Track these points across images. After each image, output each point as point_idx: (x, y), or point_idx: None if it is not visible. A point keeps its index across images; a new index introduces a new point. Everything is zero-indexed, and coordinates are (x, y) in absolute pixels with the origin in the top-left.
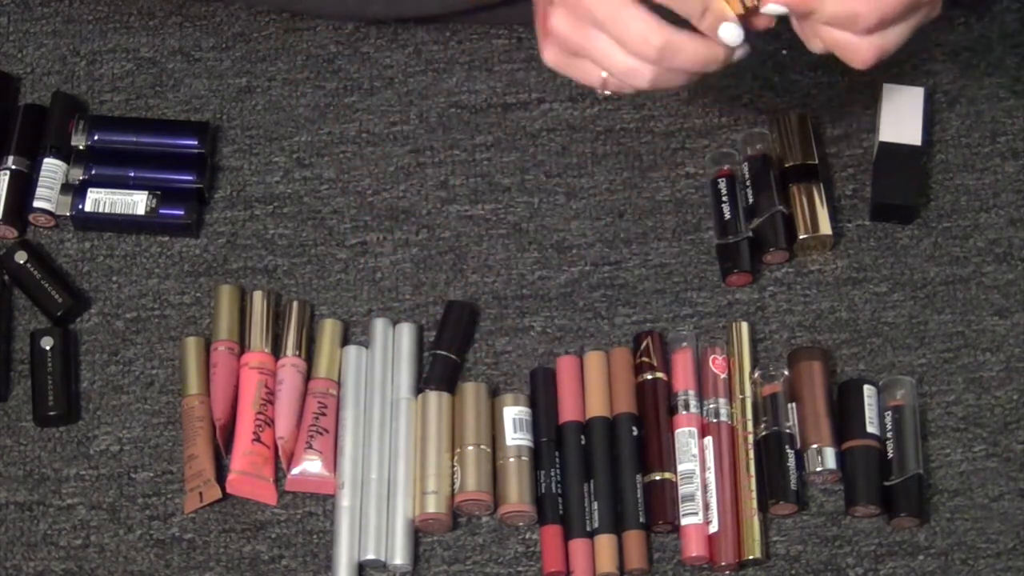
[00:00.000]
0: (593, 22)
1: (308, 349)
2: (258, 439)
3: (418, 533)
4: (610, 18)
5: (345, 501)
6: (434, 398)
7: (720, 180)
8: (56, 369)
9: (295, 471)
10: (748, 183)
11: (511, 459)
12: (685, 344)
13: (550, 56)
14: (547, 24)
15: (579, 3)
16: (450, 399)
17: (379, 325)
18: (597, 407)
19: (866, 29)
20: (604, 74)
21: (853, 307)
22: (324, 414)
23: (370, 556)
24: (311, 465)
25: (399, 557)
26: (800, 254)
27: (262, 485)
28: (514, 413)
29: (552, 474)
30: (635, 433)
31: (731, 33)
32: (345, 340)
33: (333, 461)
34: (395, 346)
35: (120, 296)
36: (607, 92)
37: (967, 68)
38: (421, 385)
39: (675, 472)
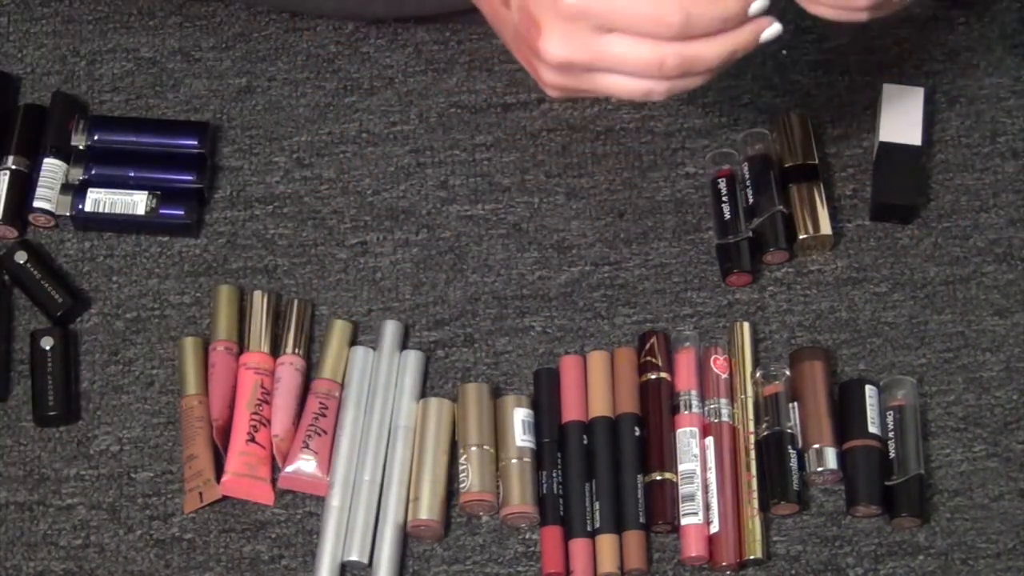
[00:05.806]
0: (600, 27)
1: (307, 348)
2: (253, 439)
3: (408, 538)
4: (620, 11)
5: (335, 500)
6: (435, 403)
7: (720, 180)
8: (56, 369)
9: (289, 468)
10: (748, 183)
11: (514, 460)
12: (688, 344)
13: (554, 82)
14: (541, 54)
15: (585, 12)
16: (451, 405)
17: (388, 328)
18: (600, 407)
19: None
20: (623, 82)
21: (853, 307)
22: (324, 415)
23: (353, 557)
24: (305, 465)
25: (383, 562)
26: (800, 254)
27: (258, 485)
28: (523, 415)
29: (554, 475)
30: (637, 433)
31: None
32: (351, 341)
33: (328, 463)
34: (401, 349)
35: (120, 296)
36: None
37: (967, 68)
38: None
39: (676, 472)
